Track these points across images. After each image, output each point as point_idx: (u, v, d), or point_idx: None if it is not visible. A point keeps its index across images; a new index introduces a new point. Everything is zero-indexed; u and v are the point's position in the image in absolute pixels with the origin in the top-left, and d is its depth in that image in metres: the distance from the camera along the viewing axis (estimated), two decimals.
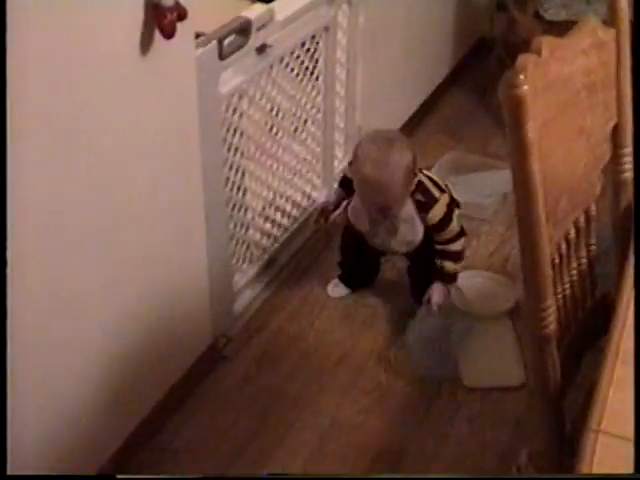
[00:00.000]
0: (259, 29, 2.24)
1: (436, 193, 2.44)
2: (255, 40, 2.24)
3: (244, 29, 2.19)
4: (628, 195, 1.69)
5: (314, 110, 2.71)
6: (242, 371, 2.46)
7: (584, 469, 1.12)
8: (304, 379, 2.45)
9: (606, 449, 1.15)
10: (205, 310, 2.37)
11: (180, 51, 1.91)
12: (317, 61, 2.64)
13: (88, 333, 1.89)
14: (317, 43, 2.60)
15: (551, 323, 1.34)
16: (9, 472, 1.29)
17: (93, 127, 1.72)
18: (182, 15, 1.77)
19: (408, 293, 2.69)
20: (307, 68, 2.59)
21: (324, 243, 2.91)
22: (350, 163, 2.47)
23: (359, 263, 2.71)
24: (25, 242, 1.60)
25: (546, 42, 1.37)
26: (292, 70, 2.53)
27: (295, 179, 2.75)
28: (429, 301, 2.51)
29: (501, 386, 2.46)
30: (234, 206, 2.43)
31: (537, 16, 3.15)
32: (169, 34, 1.76)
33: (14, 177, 1.46)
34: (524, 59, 1.30)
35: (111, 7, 1.67)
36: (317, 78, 2.67)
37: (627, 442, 1.15)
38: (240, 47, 2.20)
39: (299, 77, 2.58)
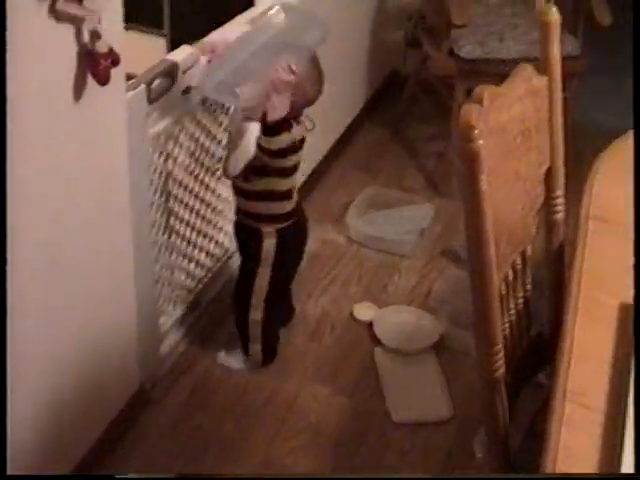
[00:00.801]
0: (184, 72, 2.24)
1: None
2: (181, 83, 2.24)
3: (170, 72, 2.19)
4: (560, 235, 1.74)
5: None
6: (171, 415, 2.44)
7: None
8: (234, 420, 2.44)
9: None
10: (132, 354, 2.34)
11: (111, 96, 1.90)
12: None
13: (21, 376, 1.84)
14: None
15: (501, 367, 1.37)
16: None
17: (26, 173, 1.68)
18: (115, 61, 1.76)
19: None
20: (227, 108, 2.58)
21: None
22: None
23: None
24: None
25: (487, 92, 1.41)
26: (214, 111, 2.53)
27: (216, 218, 2.74)
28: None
29: (430, 420, 2.49)
30: (160, 248, 2.41)
31: (452, 53, 3.21)
32: (104, 81, 1.74)
33: None
34: (468, 110, 1.33)
35: (44, 55, 1.65)
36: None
37: None
38: (167, 90, 2.19)
39: (220, 118, 2.57)
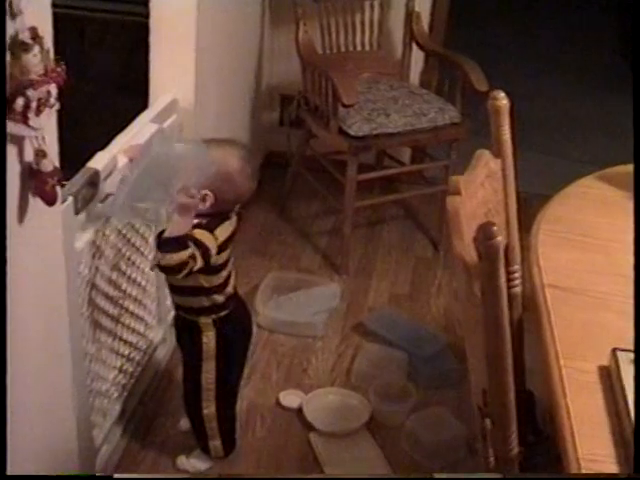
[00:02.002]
0: (105, 179, 2.20)
1: None
2: (102, 190, 2.20)
3: (93, 181, 2.14)
4: (519, 308, 1.79)
5: (148, 249, 2.67)
6: None
7: None
8: None
9: None
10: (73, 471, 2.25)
11: (48, 213, 1.84)
12: None
13: None
14: None
15: (515, 447, 1.39)
16: None
17: None
18: (60, 180, 1.72)
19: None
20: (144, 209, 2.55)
21: (166, 382, 2.84)
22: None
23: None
24: None
25: (462, 182, 1.45)
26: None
27: (133, 323, 2.68)
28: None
29: None
30: (90, 360, 2.34)
31: (340, 131, 3.27)
32: (51, 201, 1.69)
33: None
34: (454, 202, 1.37)
35: None
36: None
37: None
38: (90, 199, 2.15)
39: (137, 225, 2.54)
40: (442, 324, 3.28)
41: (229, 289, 2.35)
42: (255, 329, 3.03)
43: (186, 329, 2.38)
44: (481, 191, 1.58)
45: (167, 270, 2.12)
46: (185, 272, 2.09)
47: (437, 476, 2.39)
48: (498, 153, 1.68)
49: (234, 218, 2.25)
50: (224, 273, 2.30)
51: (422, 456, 2.62)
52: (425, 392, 2.87)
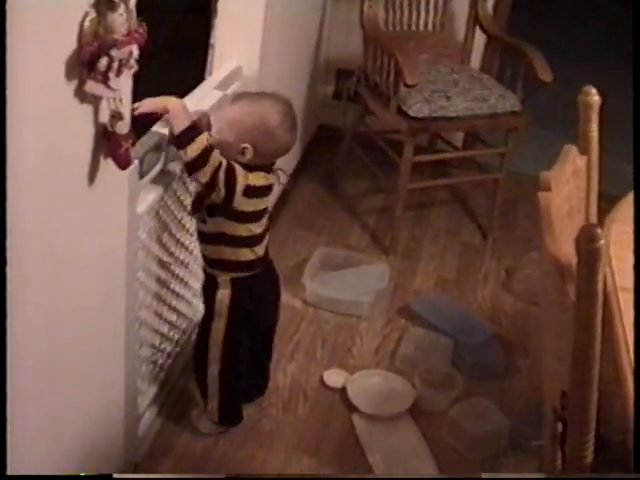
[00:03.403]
0: (169, 144, 2.17)
1: None
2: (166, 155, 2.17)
3: (159, 145, 2.11)
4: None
5: None
6: None
7: None
8: None
9: None
10: (119, 439, 2.24)
11: (117, 177, 1.81)
12: None
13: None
14: None
15: (590, 454, 1.35)
16: None
17: (30, 251, 1.55)
18: (134, 143, 1.68)
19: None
20: None
21: None
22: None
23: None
24: None
25: (552, 178, 1.40)
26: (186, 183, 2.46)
27: (183, 290, 2.65)
28: None
29: None
30: (140, 325, 2.31)
31: (400, 111, 3.22)
32: (125, 164, 1.66)
33: None
34: (546, 198, 1.32)
35: (62, 134, 1.54)
36: None
37: None
38: (155, 164, 2.11)
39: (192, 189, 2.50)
40: (488, 314, 3.23)
41: (258, 249, 2.28)
42: (299, 303, 3.04)
43: (207, 284, 2.36)
44: (566, 187, 1.54)
45: (194, 166, 2.06)
46: (212, 165, 2.05)
47: (485, 476, 2.35)
48: (584, 150, 1.63)
49: (272, 174, 2.22)
50: (252, 226, 2.24)
51: (464, 446, 2.59)
52: (469, 381, 2.83)
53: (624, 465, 1.38)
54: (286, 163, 3.61)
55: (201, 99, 2.45)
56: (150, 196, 2.16)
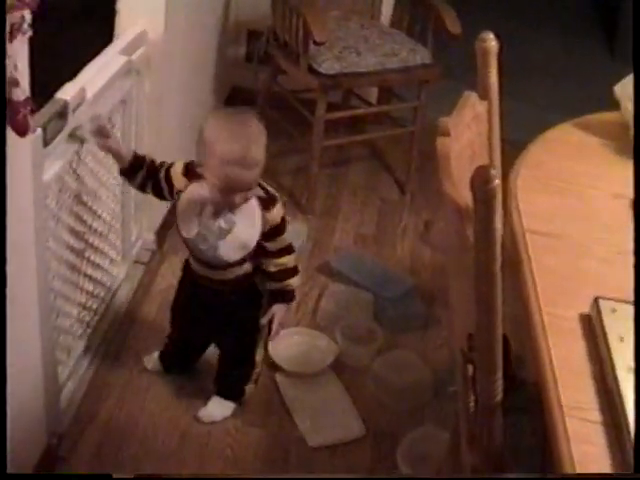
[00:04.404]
0: (74, 110, 2.14)
1: (274, 192, 2.26)
2: (70, 122, 2.13)
3: (62, 112, 2.08)
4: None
5: (114, 185, 2.62)
6: (84, 468, 2.31)
7: None
8: (150, 466, 2.35)
9: None
10: (38, 411, 2.22)
11: (18, 144, 1.78)
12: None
13: None
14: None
15: (499, 393, 1.38)
16: None
17: None
18: (33, 109, 1.65)
19: None
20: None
21: (130, 319, 2.80)
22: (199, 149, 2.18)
23: (187, 341, 2.59)
24: None
25: (450, 123, 1.42)
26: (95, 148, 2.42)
27: (99, 258, 2.63)
28: (271, 323, 2.37)
29: (345, 440, 2.48)
30: (55, 295, 2.29)
31: (311, 69, 3.21)
32: (24, 130, 1.63)
33: None
34: (444, 143, 1.34)
35: None
36: None
37: None
38: (59, 131, 2.08)
39: (101, 154, 2.47)
40: (408, 266, 3.27)
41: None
42: None
43: None
44: (467, 133, 1.55)
45: None
46: None
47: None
48: (484, 96, 1.65)
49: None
50: None
51: (389, 398, 2.63)
52: (391, 334, 2.87)
53: (538, 404, 1.41)
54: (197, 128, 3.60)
55: (105, 65, 2.41)
56: (57, 164, 2.13)
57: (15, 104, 1.60)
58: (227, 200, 2.14)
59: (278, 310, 2.35)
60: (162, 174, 2.26)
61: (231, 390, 2.52)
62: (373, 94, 4.08)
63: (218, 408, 2.52)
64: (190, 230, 2.21)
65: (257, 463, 2.40)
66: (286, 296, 2.36)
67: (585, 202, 1.91)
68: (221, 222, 2.19)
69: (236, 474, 2.14)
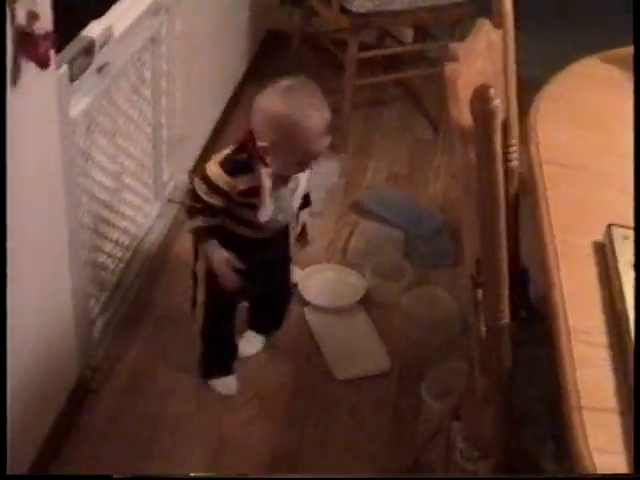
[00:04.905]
0: (101, 47, 2.16)
1: None
2: (98, 59, 2.16)
3: (89, 49, 2.10)
4: (515, 184, 1.77)
5: (145, 124, 2.66)
6: (114, 402, 2.38)
7: (581, 446, 1.18)
8: (179, 400, 2.41)
9: (594, 423, 1.22)
10: (70, 342, 2.28)
11: (43, 78, 1.81)
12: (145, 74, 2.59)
13: None
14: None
15: (506, 317, 1.40)
16: None
17: None
18: (54, 42, 1.68)
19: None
20: (142, 82, 2.53)
21: (163, 257, 2.85)
22: (249, 134, 2.09)
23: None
24: None
25: (461, 50, 1.42)
26: (124, 86, 2.46)
27: (131, 197, 2.68)
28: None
29: (371, 374, 2.52)
30: (86, 230, 2.34)
31: (342, 9, 3.20)
32: (45, 63, 1.67)
33: None
34: (452, 68, 1.34)
35: None
36: (141, 93, 2.61)
37: (612, 414, 1.23)
38: (85, 68, 2.11)
39: (132, 93, 2.51)
40: (439, 205, 3.27)
41: None
42: None
43: None
44: (480, 61, 1.55)
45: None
46: None
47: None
48: (499, 24, 1.64)
49: None
50: None
51: (416, 333, 2.65)
52: (420, 271, 2.89)
53: (549, 322, 1.42)
54: (234, 69, 3.62)
55: (134, 2, 2.42)
56: (84, 100, 2.16)
57: (35, 37, 1.63)
58: (300, 169, 2.13)
59: (305, 216, 2.31)
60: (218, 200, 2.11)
61: (268, 325, 2.56)
62: (408, 35, 4.05)
63: (252, 343, 2.57)
64: (265, 214, 2.12)
65: (284, 396, 2.45)
66: (307, 199, 2.30)
67: (607, 134, 1.90)
68: (290, 185, 2.17)
69: (241, 474, 2.18)
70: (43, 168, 1.94)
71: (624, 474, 1.19)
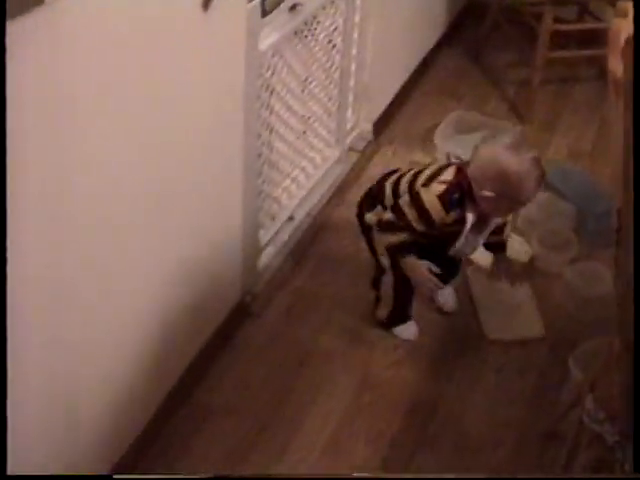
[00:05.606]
0: None
1: None
2: None
3: None
4: None
5: (332, 69, 2.74)
6: (270, 327, 2.50)
7: None
8: (332, 334, 2.50)
9: None
10: (236, 267, 2.40)
11: (234, 7, 1.92)
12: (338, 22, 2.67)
13: (125, 297, 1.89)
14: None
15: None
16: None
17: (150, 78, 1.72)
18: None
19: None
20: (334, 29, 2.61)
21: (337, 200, 2.93)
22: (463, 176, 2.25)
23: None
24: (81, 205, 1.61)
25: (629, 6, 1.43)
26: (316, 30, 2.55)
27: (311, 137, 2.77)
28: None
29: (523, 338, 2.54)
30: (263, 162, 2.45)
31: None
32: None
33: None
34: (619, 23, 1.35)
35: None
36: (332, 39, 2.69)
37: None
38: (278, 4, 2.21)
39: (322, 37, 2.59)
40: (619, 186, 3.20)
41: None
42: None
43: None
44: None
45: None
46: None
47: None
48: None
49: None
50: None
51: (573, 306, 2.64)
52: (587, 248, 2.85)
53: None
54: (428, 33, 3.65)
55: None
56: (274, 35, 2.27)
57: None
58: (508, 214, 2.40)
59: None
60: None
61: (447, 280, 2.59)
62: (610, 14, 3.95)
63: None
64: (454, 250, 2.34)
65: (434, 347, 2.50)
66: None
67: None
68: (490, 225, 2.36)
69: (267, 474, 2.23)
70: (224, 100, 2.05)
71: (624, 474, 1.18)
